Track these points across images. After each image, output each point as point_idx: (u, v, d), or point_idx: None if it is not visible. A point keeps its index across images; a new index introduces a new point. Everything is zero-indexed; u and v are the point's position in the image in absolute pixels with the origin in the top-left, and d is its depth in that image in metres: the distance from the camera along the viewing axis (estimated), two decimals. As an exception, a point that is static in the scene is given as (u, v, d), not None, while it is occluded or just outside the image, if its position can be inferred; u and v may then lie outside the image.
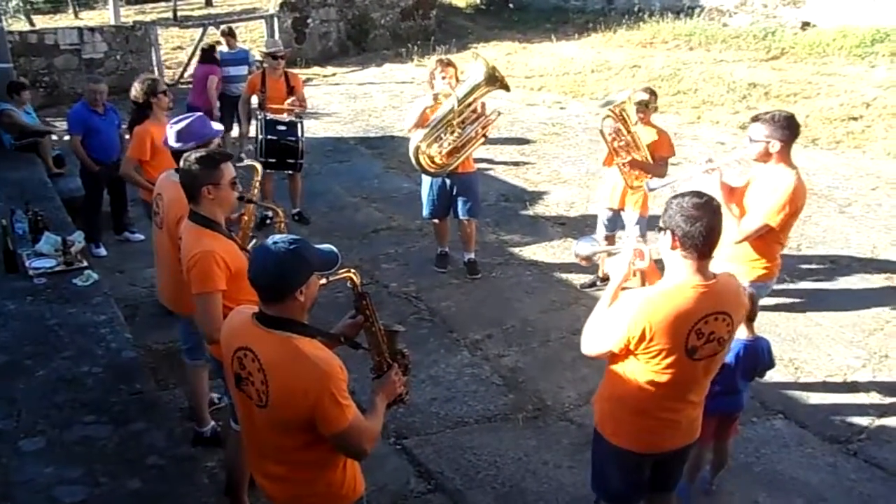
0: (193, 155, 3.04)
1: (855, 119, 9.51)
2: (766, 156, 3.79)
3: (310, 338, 2.23)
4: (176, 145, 3.58)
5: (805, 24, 13.63)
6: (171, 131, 3.60)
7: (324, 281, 2.35)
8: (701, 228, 2.42)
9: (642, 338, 2.47)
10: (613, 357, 2.65)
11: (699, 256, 2.46)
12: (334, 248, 2.43)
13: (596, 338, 2.66)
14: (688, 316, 2.46)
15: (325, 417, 2.14)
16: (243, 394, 2.29)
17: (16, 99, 7.56)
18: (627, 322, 2.48)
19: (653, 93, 5.29)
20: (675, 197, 2.54)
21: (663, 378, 2.54)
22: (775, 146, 3.74)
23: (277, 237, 2.22)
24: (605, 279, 5.65)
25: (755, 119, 3.87)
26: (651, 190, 4.89)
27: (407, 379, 2.55)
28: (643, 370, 2.56)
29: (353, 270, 2.46)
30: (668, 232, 2.48)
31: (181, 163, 3.08)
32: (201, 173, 3.00)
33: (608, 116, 5.12)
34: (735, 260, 3.87)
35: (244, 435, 2.44)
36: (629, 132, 5.10)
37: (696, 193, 2.52)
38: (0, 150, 7.51)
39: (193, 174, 3.01)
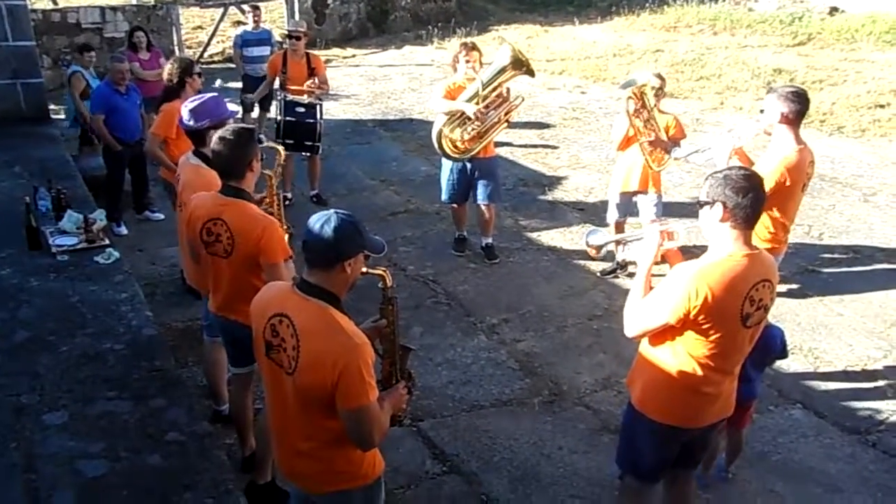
0: (237, 128, 3.09)
1: (882, 107, 9.35)
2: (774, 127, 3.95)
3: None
4: (189, 124, 3.64)
5: (833, 10, 13.39)
6: (185, 110, 3.66)
7: (364, 269, 2.37)
8: (752, 198, 2.50)
9: (704, 305, 2.50)
10: (660, 335, 2.67)
11: (746, 227, 2.55)
12: (382, 240, 2.47)
13: (644, 315, 2.68)
14: (743, 283, 2.53)
15: (347, 390, 2.15)
16: (273, 362, 2.31)
17: (80, 58, 7.17)
18: (687, 292, 2.51)
19: (662, 78, 5.32)
20: (717, 172, 2.62)
21: (714, 349, 2.59)
22: (782, 118, 3.89)
23: (338, 210, 2.27)
24: (624, 266, 5.69)
25: (769, 91, 4.04)
26: (676, 159, 5.13)
27: (409, 399, 2.60)
28: (693, 343, 2.59)
29: (386, 270, 2.48)
30: (718, 204, 2.53)
31: (214, 142, 3.10)
32: (250, 148, 3.06)
33: (630, 98, 5.11)
34: None
35: (270, 408, 2.46)
36: (649, 112, 5.12)
37: (741, 167, 2.66)
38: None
39: (244, 149, 3.05)
